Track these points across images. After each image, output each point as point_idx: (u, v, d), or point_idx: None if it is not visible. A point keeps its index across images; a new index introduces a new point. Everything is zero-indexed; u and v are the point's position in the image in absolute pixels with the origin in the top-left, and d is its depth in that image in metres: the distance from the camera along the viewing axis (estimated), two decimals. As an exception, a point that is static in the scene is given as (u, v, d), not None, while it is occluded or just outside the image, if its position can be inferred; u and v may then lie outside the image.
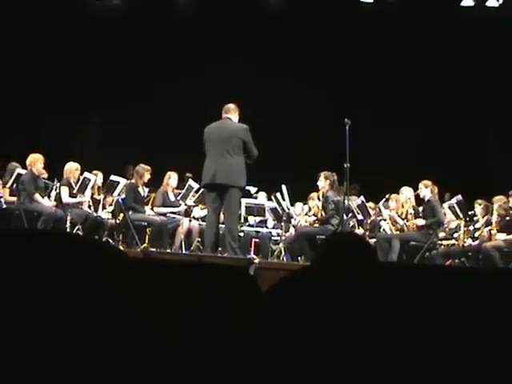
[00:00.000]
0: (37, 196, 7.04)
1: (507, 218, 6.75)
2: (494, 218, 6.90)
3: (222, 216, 6.31)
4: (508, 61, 9.01)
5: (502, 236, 6.72)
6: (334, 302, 0.61)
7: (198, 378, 0.86)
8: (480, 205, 7.45)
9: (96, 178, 7.54)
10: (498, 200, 7.10)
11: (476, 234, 7.42)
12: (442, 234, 7.58)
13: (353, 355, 0.59)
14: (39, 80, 9.40)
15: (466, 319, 0.59)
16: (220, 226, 6.34)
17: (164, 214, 7.56)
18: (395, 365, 0.58)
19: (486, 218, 7.23)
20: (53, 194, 7.20)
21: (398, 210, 7.39)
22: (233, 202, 5.92)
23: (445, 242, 7.65)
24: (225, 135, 5.92)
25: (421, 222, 6.98)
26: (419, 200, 7.24)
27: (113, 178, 7.42)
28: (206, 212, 6.40)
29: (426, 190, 7.05)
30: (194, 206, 7.97)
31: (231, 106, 6.15)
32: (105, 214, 7.78)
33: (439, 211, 6.99)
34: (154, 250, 6.71)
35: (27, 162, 7.11)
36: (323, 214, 7.02)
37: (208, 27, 9.77)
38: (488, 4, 9.47)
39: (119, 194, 7.50)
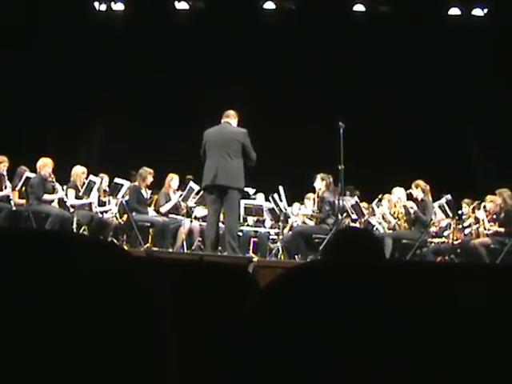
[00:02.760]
0: (45, 197, 7.26)
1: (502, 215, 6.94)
2: (481, 216, 7.14)
3: (221, 216, 6.45)
4: (486, 64, 9.35)
5: (494, 228, 6.93)
6: (333, 299, 0.61)
7: (198, 373, 0.90)
8: (467, 204, 7.69)
9: (102, 180, 7.78)
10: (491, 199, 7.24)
11: (466, 232, 7.66)
12: (433, 229, 7.78)
13: (353, 353, 0.58)
14: (48, 86, 9.60)
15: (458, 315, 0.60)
16: (220, 226, 6.52)
17: (167, 215, 7.76)
18: (397, 362, 0.58)
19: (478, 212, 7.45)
20: (60, 193, 7.43)
21: (390, 210, 7.60)
22: (233, 203, 6.07)
23: (435, 240, 7.86)
24: (225, 138, 6.09)
25: (414, 206, 7.19)
26: (413, 200, 7.39)
27: (117, 180, 7.62)
28: (207, 212, 6.56)
29: (418, 189, 7.21)
30: (194, 207, 8.18)
31: (231, 111, 6.32)
32: (106, 215, 7.96)
33: (429, 211, 7.17)
34: (156, 249, 6.91)
35: (37, 165, 7.31)
36: (319, 213, 7.24)
37: (207, 29, 9.99)
38: (474, 13, 9.88)
39: (123, 196, 7.70)
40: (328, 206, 7.13)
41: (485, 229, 7.03)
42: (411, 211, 7.19)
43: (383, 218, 7.64)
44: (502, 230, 6.85)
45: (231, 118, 6.29)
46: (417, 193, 7.24)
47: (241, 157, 6.08)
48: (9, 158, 7.44)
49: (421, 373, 0.58)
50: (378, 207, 7.84)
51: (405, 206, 7.33)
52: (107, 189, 7.99)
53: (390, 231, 7.44)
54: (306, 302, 0.62)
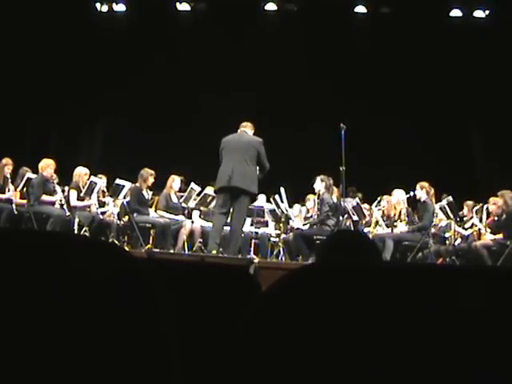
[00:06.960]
0: (44, 197, 7.27)
1: (503, 217, 6.93)
2: (483, 219, 7.13)
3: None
4: (487, 66, 9.35)
5: (491, 236, 6.94)
6: (334, 301, 0.61)
7: (199, 374, 0.88)
8: (469, 206, 7.68)
9: (101, 182, 7.80)
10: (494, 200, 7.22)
11: (466, 233, 7.65)
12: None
13: (353, 355, 0.58)
14: (50, 89, 9.62)
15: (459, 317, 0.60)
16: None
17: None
18: (396, 365, 0.58)
19: (475, 218, 7.45)
20: (59, 195, 7.44)
21: (390, 212, 7.61)
22: (243, 207, 6.30)
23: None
24: (243, 144, 6.34)
25: (404, 228, 7.20)
26: (416, 201, 7.38)
27: (118, 181, 7.61)
28: (213, 214, 6.66)
29: (422, 191, 7.21)
30: (194, 209, 8.17)
31: (248, 122, 6.62)
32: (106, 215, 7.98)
33: (429, 215, 7.11)
34: (157, 250, 6.95)
35: (39, 166, 7.34)
36: (318, 215, 7.25)
37: (208, 32, 10.00)
38: (475, 14, 9.91)
39: (124, 197, 7.71)
40: (327, 208, 7.14)
41: (486, 231, 7.03)
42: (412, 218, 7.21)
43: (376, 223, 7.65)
44: (500, 236, 6.84)
45: (248, 128, 6.56)
46: (420, 194, 7.23)
47: (255, 164, 6.31)
48: (11, 159, 7.46)
49: (422, 375, 0.58)
50: (377, 209, 7.84)
51: (406, 209, 7.33)
52: (105, 189, 8.00)
53: (393, 233, 7.43)
54: (308, 304, 0.61)
